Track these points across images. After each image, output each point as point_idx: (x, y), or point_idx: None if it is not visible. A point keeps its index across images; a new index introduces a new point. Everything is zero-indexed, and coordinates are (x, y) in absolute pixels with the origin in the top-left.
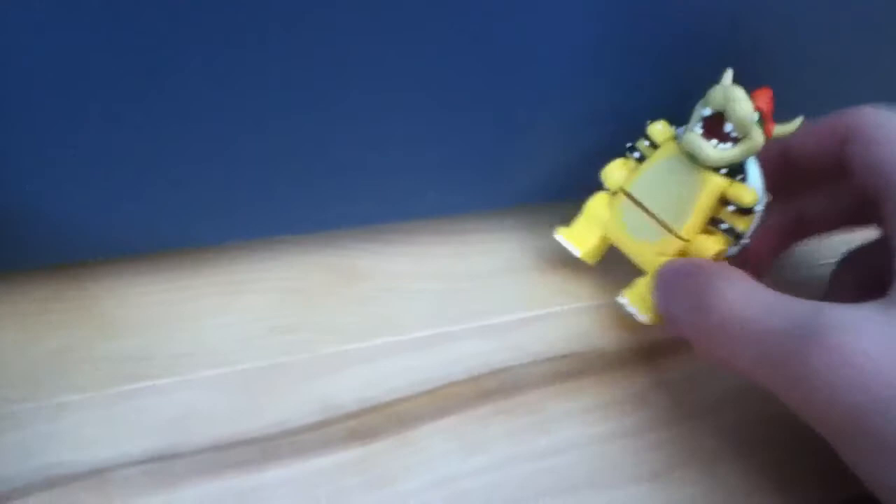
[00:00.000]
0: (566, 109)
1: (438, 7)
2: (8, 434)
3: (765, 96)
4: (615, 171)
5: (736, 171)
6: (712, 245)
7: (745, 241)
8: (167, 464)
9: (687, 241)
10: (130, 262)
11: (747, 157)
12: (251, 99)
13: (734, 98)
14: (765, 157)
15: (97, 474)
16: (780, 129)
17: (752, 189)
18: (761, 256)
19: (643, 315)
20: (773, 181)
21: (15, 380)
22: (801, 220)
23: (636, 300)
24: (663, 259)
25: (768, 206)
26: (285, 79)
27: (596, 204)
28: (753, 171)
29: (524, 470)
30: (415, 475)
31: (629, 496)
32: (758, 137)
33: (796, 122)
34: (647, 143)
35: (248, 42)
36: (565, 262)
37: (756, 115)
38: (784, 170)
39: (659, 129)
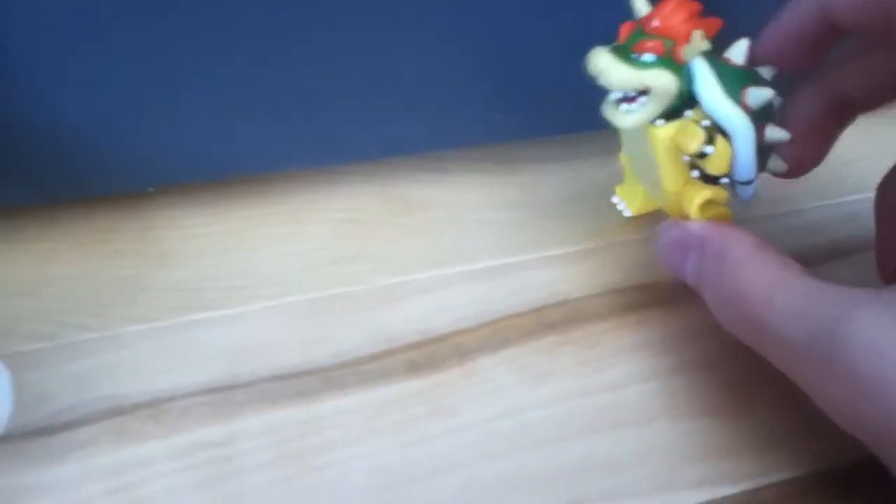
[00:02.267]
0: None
1: None
2: (72, 363)
3: (665, 16)
4: (608, 116)
5: (684, 106)
6: (696, 195)
7: (742, 176)
8: (228, 394)
9: (675, 193)
10: (187, 192)
11: (665, 104)
12: (301, 27)
13: (600, 72)
14: (800, 19)
15: (159, 404)
16: (690, 51)
17: (696, 129)
18: (804, 155)
19: (629, 210)
20: (812, 50)
21: (78, 309)
22: (845, 98)
23: (623, 195)
24: (675, 214)
25: (802, 93)
26: (331, 3)
27: (624, 158)
28: (709, 92)
29: (592, 402)
30: (479, 406)
31: (702, 428)
32: (660, 81)
33: (697, 37)
34: None
35: None
36: None
37: (649, 58)
38: (824, 35)
39: None
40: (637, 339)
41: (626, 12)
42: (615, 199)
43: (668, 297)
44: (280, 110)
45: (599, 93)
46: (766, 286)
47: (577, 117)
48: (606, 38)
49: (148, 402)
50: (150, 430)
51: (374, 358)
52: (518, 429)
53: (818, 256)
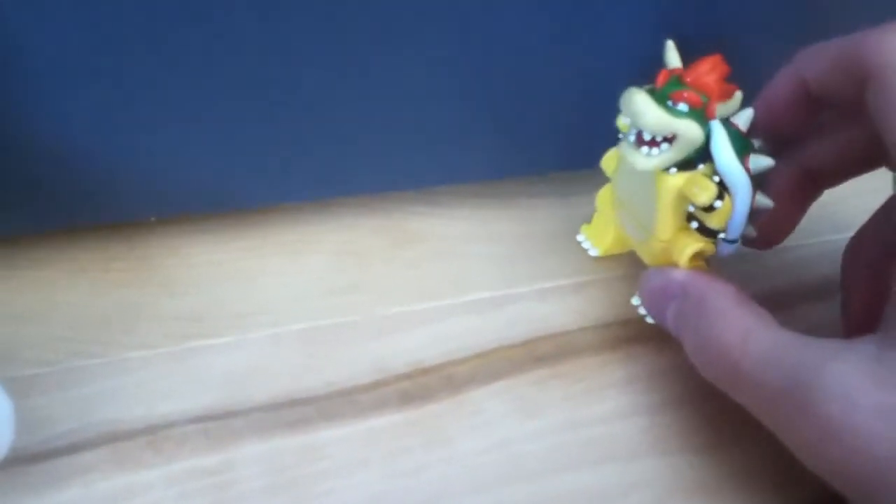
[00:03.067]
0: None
1: None
2: (74, 388)
3: (703, 73)
4: (610, 163)
5: (698, 159)
6: (689, 245)
7: (732, 234)
8: (226, 421)
9: (665, 241)
10: (187, 222)
11: (685, 153)
12: (302, 64)
13: (636, 113)
14: (778, 92)
15: (158, 430)
16: (724, 109)
17: (710, 183)
18: (777, 226)
19: (595, 249)
20: (791, 120)
21: (81, 335)
22: (814, 172)
23: (591, 234)
24: (654, 259)
25: (776, 167)
26: (332, 42)
27: (602, 198)
28: (723, 152)
29: (582, 435)
30: (471, 437)
31: (687, 463)
32: (690, 132)
33: (737, 99)
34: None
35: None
36: None
37: (683, 108)
38: (802, 105)
39: (623, 123)
40: (624, 374)
41: (618, 58)
42: (580, 238)
43: (655, 333)
44: (281, 146)
45: (592, 133)
46: (741, 335)
47: (570, 155)
48: (598, 80)
49: (148, 428)
50: (149, 457)
51: (368, 388)
52: (509, 460)
53: (799, 294)
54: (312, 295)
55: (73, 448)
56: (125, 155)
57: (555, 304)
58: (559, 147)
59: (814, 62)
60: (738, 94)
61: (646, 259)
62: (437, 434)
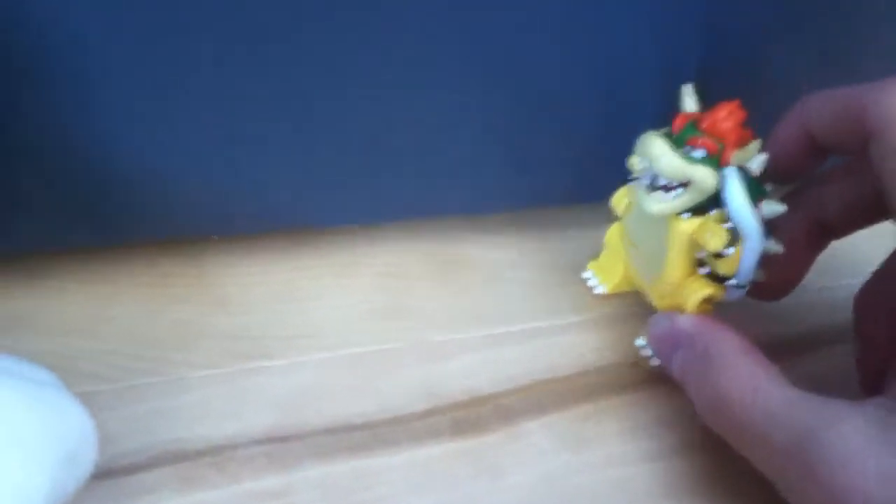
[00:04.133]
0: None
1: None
2: (134, 406)
3: (720, 119)
4: (621, 201)
5: (710, 205)
6: (698, 290)
7: (741, 280)
8: (285, 444)
9: (674, 285)
10: (244, 240)
11: (699, 199)
12: (358, 92)
13: (653, 157)
14: (783, 140)
15: (221, 451)
16: (739, 157)
17: (721, 230)
18: (785, 274)
19: (602, 286)
20: (797, 167)
21: (138, 352)
22: (822, 221)
23: (599, 271)
24: (662, 301)
25: (786, 214)
26: (386, 72)
27: (612, 235)
28: (736, 198)
29: (636, 470)
30: (523, 469)
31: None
32: (705, 179)
33: (753, 147)
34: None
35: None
36: None
37: (699, 154)
38: (807, 153)
39: (636, 164)
40: (678, 406)
41: (659, 95)
42: (587, 275)
43: None
44: (336, 170)
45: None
46: (749, 391)
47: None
48: (640, 112)
49: (210, 448)
50: (212, 478)
51: (422, 416)
52: (561, 494)
53: (803, 343)
54: (363, 318)
55: (137, 467)
56: (189, 174)
57: (605, 335)
58: (598, 176)
59: (817, 113)
60: (754, 142)
61: (654, 300)
62: (489, 464)
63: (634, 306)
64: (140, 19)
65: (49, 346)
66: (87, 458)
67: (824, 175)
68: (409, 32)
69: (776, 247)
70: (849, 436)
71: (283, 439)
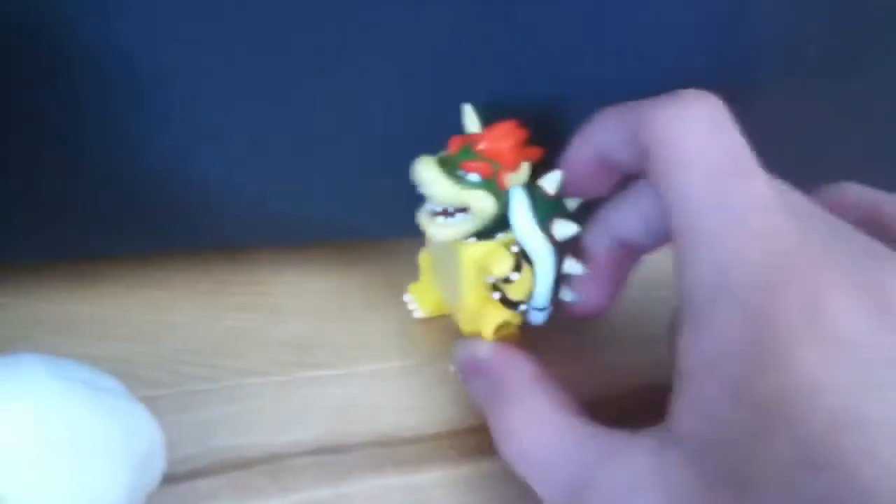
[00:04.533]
0: None
1: None
2: (192, 412)
3: (496, 139)
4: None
5: (497, 228)
6: (492, 316)
7: (538, 304)
8: (338, 455)
9: (471, 310)
10: (297, 250)
11: (481, 224)
12: (407, 107)
13: (423, 182)
14: (574, 158)
15: (276, 460)
16: (514, 180)
17: (506, 254)
18: (595, 293)
19: (420, 311)
20: (592, 184)
21: (195, 358)
22: (624, 240)
23: (417, 294)
24: (467, 325)
25: (591, 232)
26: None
27: (423, 260)
28: (520, 221)
29: None
30: None
31: None
32: (481, 204)
33: (525, 169)
34: None
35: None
36: None
37: (474, 178)
38: (599, 171)
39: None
40: None
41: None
42: (407, 298)
43: None
44: (389, 182)
45: None
46: (534, 422)
47: None
48: None
49: (264, 457)
50: (267, 488)
51: (474, 431)
52: None
53: None
54: (413, 331)
55: (195, 474)
56: (248, 186)
57: None
58: None
59: (603, 132)
60: (525, 164)
61: (460, 325)
62: None
63: None
64: (204, 33)
65: (107, 350)
66: (158, 466)
67: (625, 192)
68: None
69: (576, 267)
70: (620, 471)
71: (334, 450)
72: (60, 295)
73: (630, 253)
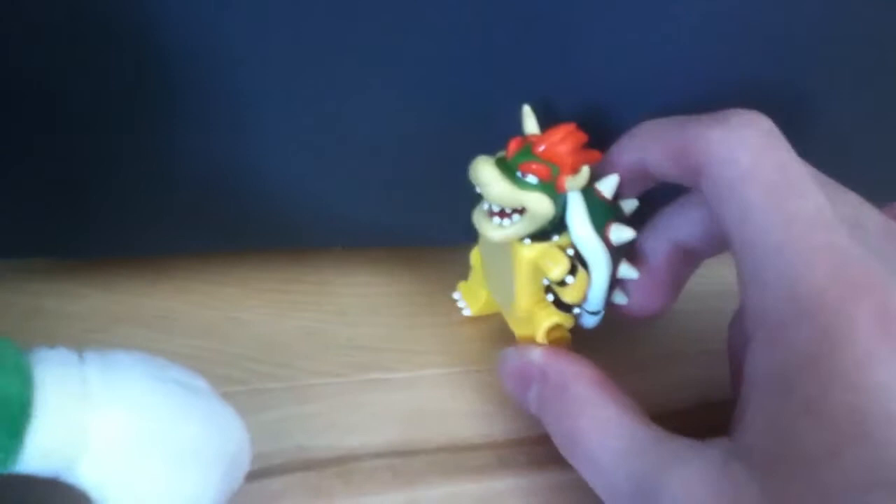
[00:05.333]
0: None
1: None
2: (265, 412)
3: (554, 142)
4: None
5: (553, 230)
6: (545, 319)
7: (592, 307)
8: (408, 459)
9: (524, 312)
10: (364, 253)
11: (537, 225)
12: (471, 114)
13: (482, 184)
14: (620, 167)
15: (346, 462)
16: (573, 183)
17: (562, 257)
18: (650, 298)
19: (469, 310)
20: (637, 191)
21: (265, 355)
22: (684, 245)
23: (466, 293)
24: (519, 327)
25: (650, 237)
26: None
27: (475, 257)
28: (577, 225)
29: None
30: None
31: None
32: (539, 206)
33: (585, 173)
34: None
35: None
36: None
37: (531, 180)
38: (647, 181)
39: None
40: None
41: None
42: (456, 296)
43: None
44: (459, 189)
45: None
46: (601, 426)
47: None
48: None
49: (336, 458)
50: (338, 489)
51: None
52: None
53: None
54: (477, 338)
55: (266, 472)
56: (319, 188)
57: None
58: None
59: (650, 148)
60: (585, 167)
61: (511, 326)
62: None
63: None
64: (294, 41)
65: (180, 346)
66: (244, 466)
67: (686, 197)
68: None
69: (631, 272)
70: (685, 480)
71: (404, 454)
72: (138, 289)
73: (688, 258)
